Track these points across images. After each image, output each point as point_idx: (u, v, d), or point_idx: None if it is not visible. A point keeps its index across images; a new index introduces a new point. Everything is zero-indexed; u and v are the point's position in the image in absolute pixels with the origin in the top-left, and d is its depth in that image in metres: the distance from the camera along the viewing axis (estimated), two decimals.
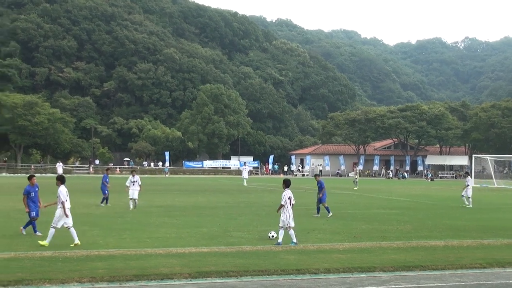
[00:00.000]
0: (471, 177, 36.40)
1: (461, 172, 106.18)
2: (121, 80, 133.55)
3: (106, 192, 31.54)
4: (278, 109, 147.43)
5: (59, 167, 76.08)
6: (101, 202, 31.54)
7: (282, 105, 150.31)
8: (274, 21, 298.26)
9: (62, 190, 17.08)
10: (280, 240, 17.75)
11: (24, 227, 19.60)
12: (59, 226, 17.08)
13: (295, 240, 17.76)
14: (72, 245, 16.71)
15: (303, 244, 17.86)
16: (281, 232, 17.85)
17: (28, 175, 22.40)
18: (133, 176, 30.19)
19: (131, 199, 29.71)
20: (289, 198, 17.91)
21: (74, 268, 13.35)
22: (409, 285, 12.66)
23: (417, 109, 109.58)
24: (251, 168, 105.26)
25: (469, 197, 34.70)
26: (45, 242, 16.75)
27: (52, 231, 16.91)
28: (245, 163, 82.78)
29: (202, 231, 20.63)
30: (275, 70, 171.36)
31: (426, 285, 12.73)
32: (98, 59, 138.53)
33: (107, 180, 31.93)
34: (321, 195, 27.78)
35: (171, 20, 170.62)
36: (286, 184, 18.43)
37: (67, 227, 17.08)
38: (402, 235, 20.46)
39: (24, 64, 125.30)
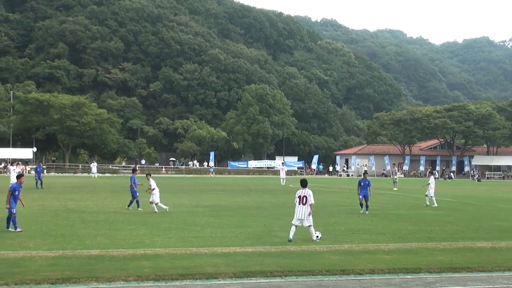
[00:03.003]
0: (434, 177, 35.73)
1: (509, 173, 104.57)
2: (167, 81, 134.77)
3: (136, 194, 28.54)
4: (323, 109, 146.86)
5: (94, 167, 77.34)
6: (128, 206, 28.57)
7: (327, 105, 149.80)
8: (319, 21, 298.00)
9: None
10: (290, 236, 18.26)
11: (8, 227, 19.74)
12: None
13: (314, 238, 18.27)
14: None
15: (348, 244, 17.83)
16: (293, 228, 18.45)
17: (18, 174, 22.90)
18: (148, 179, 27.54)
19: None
20: (298, 197, 18.37)
21: (121, 267, 13.54)
22: (456, 287, 12.53)
23: (464, 109, 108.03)
24: (295, 168, 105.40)
25: (432, 197, 34.07)
26: None
27: None
28: (283, 163, 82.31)
29: (247, 231, 20.70)
30: (320, 70, 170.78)
31: (472, 287, 12.57)
32: (144, 60, 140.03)
33: (135, 181, 28.66)
34: (371, 193, 28.94)
35: (216, 20, 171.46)
36: (301, 183, 18.87)
37: None
38: (448, 236, 20.23)
39: (72, 66, 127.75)
